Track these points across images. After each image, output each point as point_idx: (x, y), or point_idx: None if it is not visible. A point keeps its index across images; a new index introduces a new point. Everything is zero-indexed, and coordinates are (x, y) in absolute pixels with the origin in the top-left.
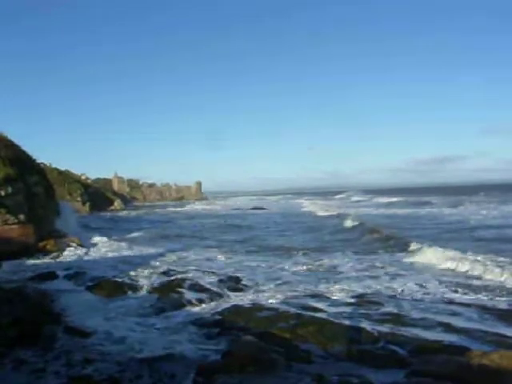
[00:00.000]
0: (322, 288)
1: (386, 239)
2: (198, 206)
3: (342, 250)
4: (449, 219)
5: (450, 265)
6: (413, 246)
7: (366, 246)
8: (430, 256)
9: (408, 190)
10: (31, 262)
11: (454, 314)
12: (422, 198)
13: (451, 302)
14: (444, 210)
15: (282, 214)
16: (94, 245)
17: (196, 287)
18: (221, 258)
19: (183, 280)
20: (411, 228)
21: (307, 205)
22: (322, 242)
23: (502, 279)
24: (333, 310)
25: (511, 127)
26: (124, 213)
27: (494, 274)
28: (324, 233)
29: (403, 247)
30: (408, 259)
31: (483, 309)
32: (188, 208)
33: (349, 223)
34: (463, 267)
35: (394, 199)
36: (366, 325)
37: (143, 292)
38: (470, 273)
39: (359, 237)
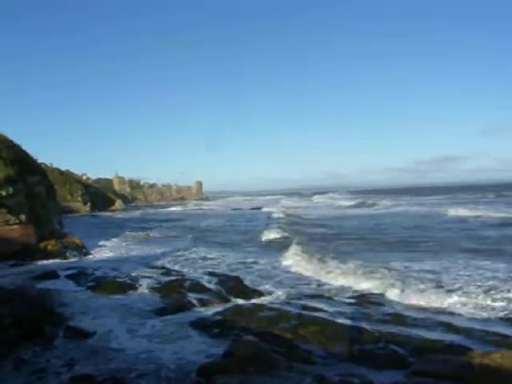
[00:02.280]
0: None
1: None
2: (184, 207)
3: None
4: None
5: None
6: (290, 251)
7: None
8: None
9: (398, 191)
10: (32, 262)
11: (455, 313)
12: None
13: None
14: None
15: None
16: (95, 245)
17: (197, 287)
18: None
19: (184, 280)
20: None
21: (273, 204)
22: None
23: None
24: (334, 309)
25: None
26: (123, 214)
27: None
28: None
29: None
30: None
31: (484, 308)
32: (173, 209)
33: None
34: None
35: (355, 201)
36: (366, 325)
37: (144, 292)
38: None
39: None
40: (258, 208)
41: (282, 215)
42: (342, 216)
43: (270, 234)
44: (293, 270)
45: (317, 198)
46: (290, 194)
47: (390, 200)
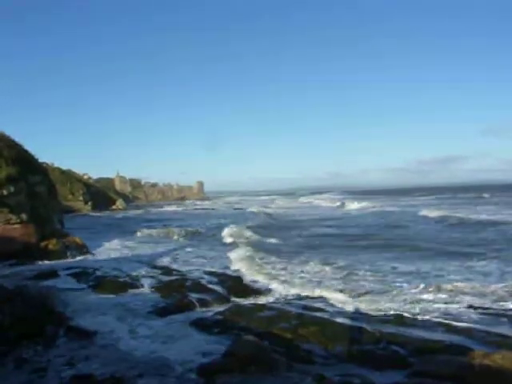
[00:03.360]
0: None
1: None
2: (185, 207)
3: None
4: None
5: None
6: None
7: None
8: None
9: (394, 191)
10: (33, 261)
11: (455, 314)
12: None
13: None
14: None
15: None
16: (96, 244)
17: (197, 287)
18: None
19: (184, 280)
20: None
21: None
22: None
23: None
24: (334, 309)
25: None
26: (124, 213)
27: None
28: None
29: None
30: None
31: (485, 309)
32: (174, 209)
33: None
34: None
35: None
36: (367, 325)
37: (145, 291)
38: None
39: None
40: (244, 208)
41: (262, 216)
42: (310, 217)
43: (228, 238)
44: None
45: (306, 199)
46: (287, 194)
47: (377, 201)
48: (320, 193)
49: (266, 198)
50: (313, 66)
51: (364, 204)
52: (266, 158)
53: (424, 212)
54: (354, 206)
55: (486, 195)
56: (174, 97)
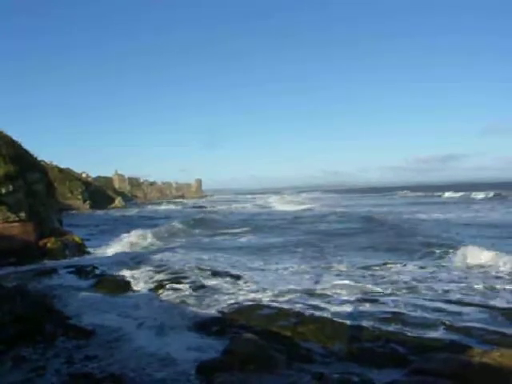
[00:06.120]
0: None
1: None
2: (183, 206)
3: None
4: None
5: None
6: None
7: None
8: None
9: (375, 190)
10: (32, 259)
11: (455, 312)
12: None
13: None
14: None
15: None
16: (95, 243)
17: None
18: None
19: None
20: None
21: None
22: None
23: None
24: (334, 308)
25: (511, 127)
26: (123, 211)
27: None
28: None
29: None
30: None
31: (484, 307)
32: (172, 207)
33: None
34: None
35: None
36: (366, 323)
37: (144, 290)
38: None
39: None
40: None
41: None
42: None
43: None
44: None
45: (274, 198)
46: (275, 192)
47: (344, 199)
48: (303, 192)
49: (250, 196)
50: (313, 66)
51: (317, 204)
52: (265, 157)
53: (364, 212)
54: (303, 206)
55: (447, 194)
56: (174, 95)
